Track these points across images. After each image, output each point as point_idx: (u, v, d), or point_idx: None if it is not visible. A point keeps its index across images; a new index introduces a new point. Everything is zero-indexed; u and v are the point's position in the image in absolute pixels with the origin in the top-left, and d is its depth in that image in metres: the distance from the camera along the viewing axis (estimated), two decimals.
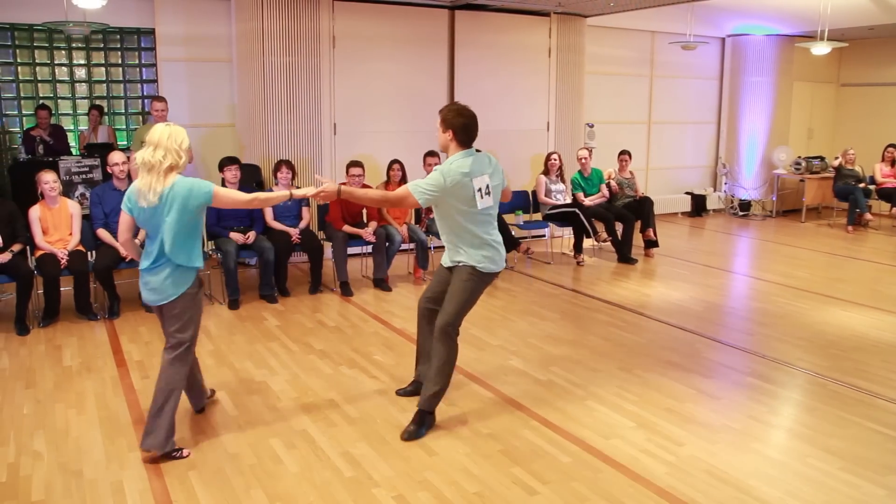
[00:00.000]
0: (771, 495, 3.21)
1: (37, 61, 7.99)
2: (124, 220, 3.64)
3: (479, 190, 3.70)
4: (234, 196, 3.74)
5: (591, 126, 9.71)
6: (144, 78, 8.26)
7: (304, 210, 6.58)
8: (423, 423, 3.80)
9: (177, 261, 3.55)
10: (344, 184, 4.67)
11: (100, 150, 7.32)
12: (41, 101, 7.81)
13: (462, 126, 3.69)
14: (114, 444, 3.65)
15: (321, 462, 3.48)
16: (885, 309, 6.19)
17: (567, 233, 8.57)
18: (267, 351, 5.04)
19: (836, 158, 10.48)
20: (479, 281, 3.83)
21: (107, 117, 8.24)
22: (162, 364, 3.60)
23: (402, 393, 4.28)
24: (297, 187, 6.67)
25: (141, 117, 8.35)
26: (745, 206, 11.28)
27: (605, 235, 8.02)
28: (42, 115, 7.56)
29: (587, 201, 8.13)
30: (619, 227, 8.05)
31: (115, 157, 5.85)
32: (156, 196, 3.45)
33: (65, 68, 8.14)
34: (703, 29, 10.26)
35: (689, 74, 11.06)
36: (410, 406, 4.11)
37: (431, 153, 7.19)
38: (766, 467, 3.47)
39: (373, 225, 6.68)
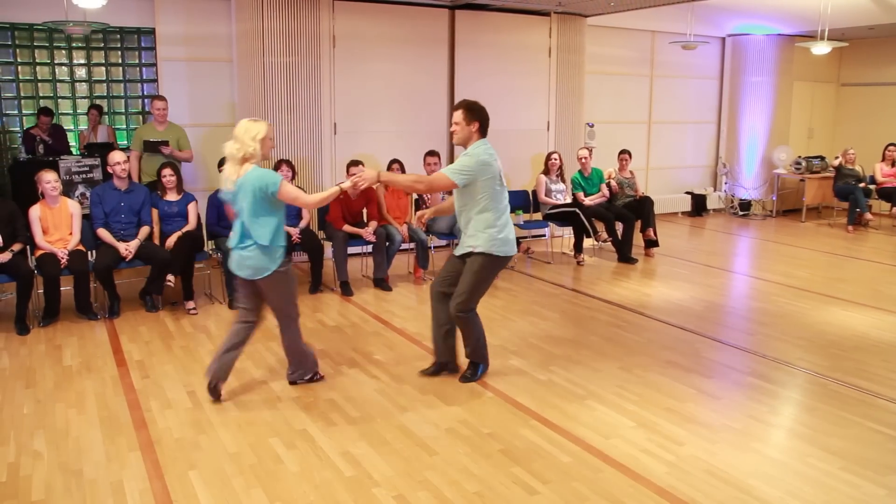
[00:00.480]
0: (771, 495, 3.21)
1: (37, 61, 7.98)
2: (227, 208, 4.37)
3: (500, 171, 4.22)
4: (297, 194, 4.08)
5: (592, 126, 9.71)
6: (145, 77, 8.26)
7: (305, 210, 6.58)
8: (476, 369, 4.46)
9: (259, 241, 3.93)
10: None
11: (100, 150, 7.32)
12: (44, 106, 7.79)
13: (485, 118, 4.18)
14: (114, 443, 3.65)
15: (321, 462, 3.48)
16: (885, 308, 6.19)
17: (567, 232, 8.57)
18: (267, 350, 5.04)
19: (837, 158, 10.48)
20: (494, 266, 4.28)
21: (106, 117, 8.23)
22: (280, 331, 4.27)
23: (425, 373, 4.57)
24: (297, 186, 6.67)
25: (141, 117, 8.35)
26: (746, 205, 11.27)
27: (605, 235, 8.01)
28: (43, 121, 7.54)
29: (587, 201, 8.13)
30: (619, 227, 8.05)
31: (116, 156, 5.85)
32: (231, 183, 3.93)
33: (65, 68, 8.14)
34: (703, 29, 10.26)
35: (690, 74, 11.06)
36: (411, 405, 4.12)
37: (431, 153, 7.18)
38: (767, 467, 3.47)
39: (373, 225, 6.68)
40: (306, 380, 4.40)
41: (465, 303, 4.23)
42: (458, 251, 4.33)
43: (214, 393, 4.14)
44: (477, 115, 4.14)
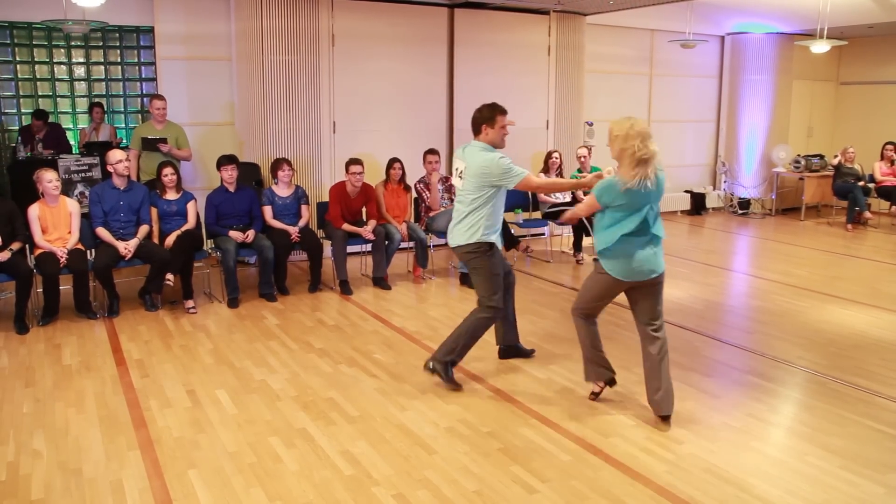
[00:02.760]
0: (770, 493, 3.22)
1: (36, 60, 7.97)
2: None
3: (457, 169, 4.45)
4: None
5: (591, 124, 9.69)
6: (144, 76, 8.25)
7: (304, 208, 6.57)
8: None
9: (660, 234, 3.83)
10: None
11: (99, 149, 7.31)
12: (37, 109, 7.74)
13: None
14: (113, 442, 3.65)
15: (321, 461, 3.49)
16: (884, 307, 6.19)
17: (566, 231, 8.57)
18: (266, 349, 5.04)
19: (836, 157, 10.48)
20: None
21: (107, 115, 8.22)
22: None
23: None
24: (298, 186, 6.67)
25: (140, 116, 8.34)
26: (745, 204, 11.28)
27: None
28: (37, 125, 7.51)
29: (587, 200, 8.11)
30: None
31: (116, 154, 5.86)
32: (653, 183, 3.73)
33: (64, 67, 8.13)
34: (702, 27, 10.25)
35: (689, 73, 11.05)
36: (411, 405, 4.12)
37: (431, 151, 7.17)
38: (766, 465, 3.47)
39: (372, 223, 6.68)
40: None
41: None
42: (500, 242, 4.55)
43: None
44: None
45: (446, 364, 4.34)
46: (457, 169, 4.45)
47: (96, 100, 8.12)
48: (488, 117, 4.38)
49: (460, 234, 4.33)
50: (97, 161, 7.08)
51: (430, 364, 4.37)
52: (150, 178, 6.57)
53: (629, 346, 5.17)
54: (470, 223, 4.29)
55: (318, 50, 7.58)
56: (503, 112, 4.43)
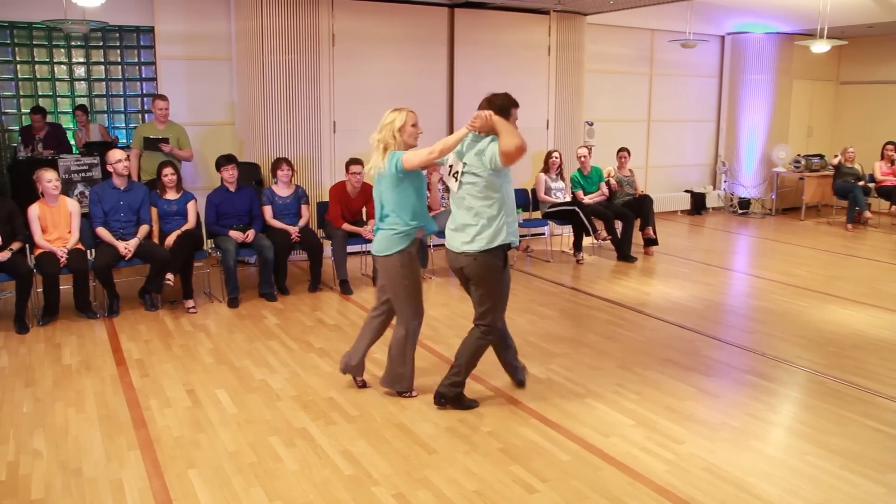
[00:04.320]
0: (770, 493, 3.22)
1: (36, 60, 7.98)
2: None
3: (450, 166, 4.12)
4: (420, 155, 4.15)
5: (591, 124, 9.70)
6: (144, 76, 8.25)
7: (304, 208, 6.58)
8: None
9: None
10: None
11: (99, 149, 7.31)
12: (35, 105, 7.75)
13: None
14: (113, 442, 3.65)
15: (321, 460, 3.49)
16: (884, 307, 6.19)
17: (567, 231, 8.57)
18: (266, 349, 5.05)
19: (836, 156, 10.48)
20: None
21: (93, 115, 8.20)
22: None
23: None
24: (298, 186, 6.67)
25: (140, 115, 8.34)
26: (745, 204, 11.28)
27: (604, 234, 8.01)
28: (36, 120, 7.51)
29: (587, 199, 8.13)
30: (618, 226, 8.05)
31: (116, 154, 5.86)
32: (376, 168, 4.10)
33: (64, 66, 8.13)
34: (702, 27, 10.26)
35: (689, 72, 11.05)
36: (410, 404, 4.12)
37: None
38: (766, 465, 3.47)
39: (372, 223, 6.68)
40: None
41: None
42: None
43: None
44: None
45: (457, 394, 4.05)
46: (450, 166, 4.11)
47: (77, 103, 8.11)
48: (503, 106, 3.78)
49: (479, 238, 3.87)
50: (97, 161, 7.09)
51: (441, 400, 4.04)
52: (150, 178, 6.58)
53: (630, 346, 5.18)
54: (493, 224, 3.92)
55: (318, 49, 7.59)
56: (517, 104, 3.85)
